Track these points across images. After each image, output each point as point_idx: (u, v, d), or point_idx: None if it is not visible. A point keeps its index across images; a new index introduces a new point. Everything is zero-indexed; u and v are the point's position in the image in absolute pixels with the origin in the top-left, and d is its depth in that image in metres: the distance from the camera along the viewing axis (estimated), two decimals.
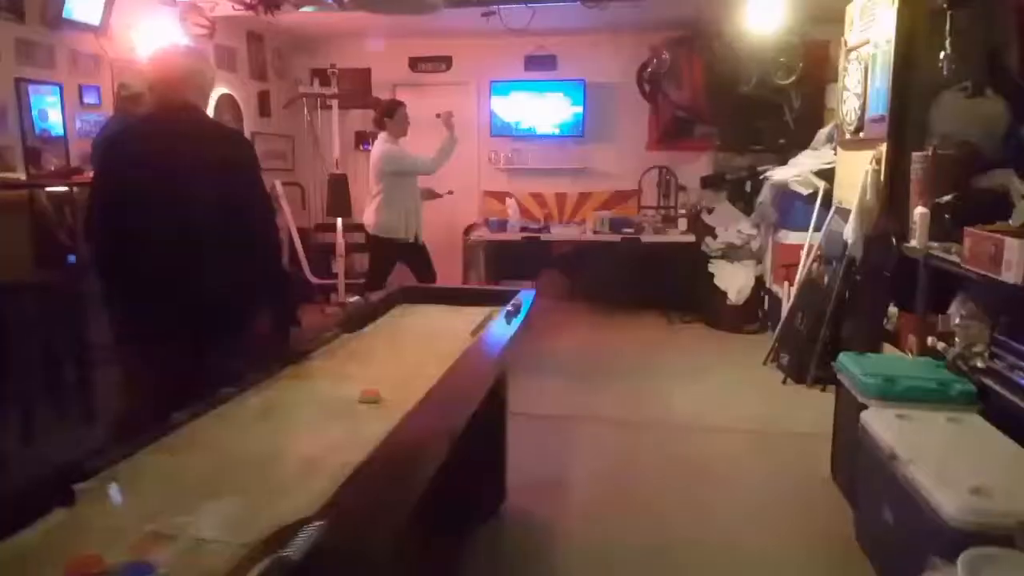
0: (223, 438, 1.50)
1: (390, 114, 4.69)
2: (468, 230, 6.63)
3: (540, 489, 2.95)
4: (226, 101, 5.92)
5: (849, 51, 4.21)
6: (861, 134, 3.98)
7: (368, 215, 4.73)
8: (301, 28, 6.59)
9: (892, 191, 3.69)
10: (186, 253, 2.11)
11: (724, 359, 4.94)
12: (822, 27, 5.58)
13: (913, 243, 3.34)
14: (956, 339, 3.02)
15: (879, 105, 3.70)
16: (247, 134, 6.22)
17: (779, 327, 4.76)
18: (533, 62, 6.78)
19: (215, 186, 2.16)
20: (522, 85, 6.74)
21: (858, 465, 2.52)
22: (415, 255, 4.86)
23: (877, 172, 3.72)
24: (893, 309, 3.77)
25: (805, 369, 4.26)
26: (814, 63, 5.63)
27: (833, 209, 4.57)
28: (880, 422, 2.38)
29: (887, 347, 3.59)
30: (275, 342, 2.30)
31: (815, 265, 4.66)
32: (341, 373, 1.92)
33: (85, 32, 4.42)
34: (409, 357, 2.13)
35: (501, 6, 5.24)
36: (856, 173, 3.93)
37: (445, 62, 6.93)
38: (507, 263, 6.63)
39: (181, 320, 2.08)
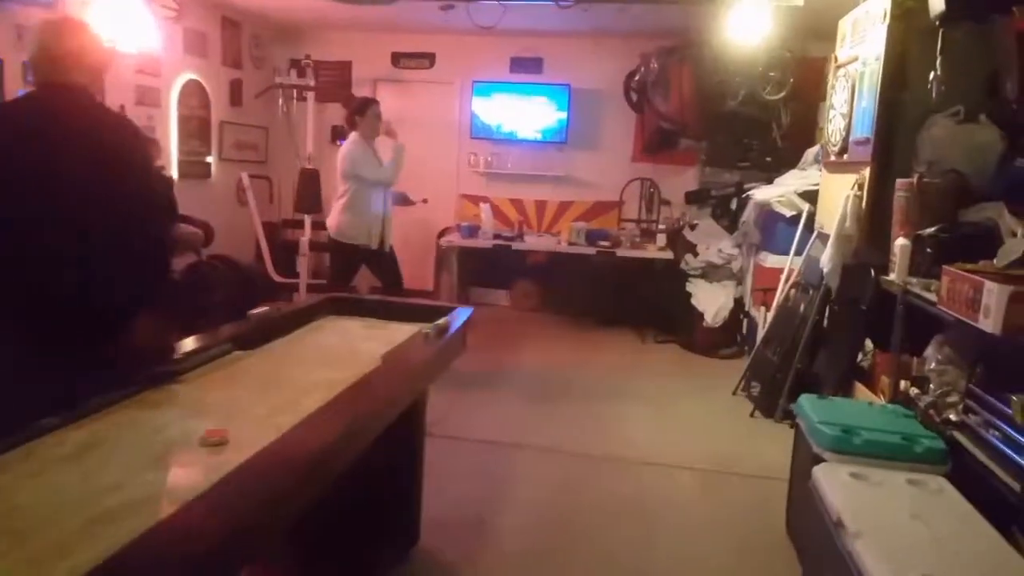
0: (13, 481, 1.25)
1: (360, 112, 4.44)
2: (442, 234, 6.38)
3: (461, 529, 2.68)
4: (192, 87, 5.67)
5: (838, 68, 3.96)
6: (845, 156, 3.73)
7: (331, 217, 4.49)
8: (282, 17, 6.36)
9: (873, 219, 3.43)
10: (53, 248, 1.86)
11: (693, 385, 4.68)
12: (818, 44, 5.35)
13: (892, 276, 3.09)
14: (931, 385, 2.78)
15: (864, 126, 3.45)
16: (215, 122, 5.99)
17: (752, 355, 4.51)
18: (519, 64, 6.54)
19: (90, 176, 1.90)
20: (506, 87, 6.50)
21: (807, 525, 2.26)
22: (380, 261, 4.61)
23: (859, 198, 3.47)
24: (869, 345, 3.53)
25: (775, 402, 4.01)
26: (807, 80, 5.40)
27: (815, 234, 4.32)
28: (832, 480, 2.12)
29: (859, 387, 3.34)
30: (145, 358, 2.03)
31: (792, 291, 4.41)
32: (200, 402, 1.66)
33: (32, 6, 4.18)
34: (295, 384, 1.87)
35: (468, 3, 4.97)
36: (839, 197, 3.68)
37: (428, 59, 6.69)
38: (480, 270, 6.39)
39: (38, 327, 1.82)
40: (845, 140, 3.70)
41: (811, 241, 4.35)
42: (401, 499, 2.43)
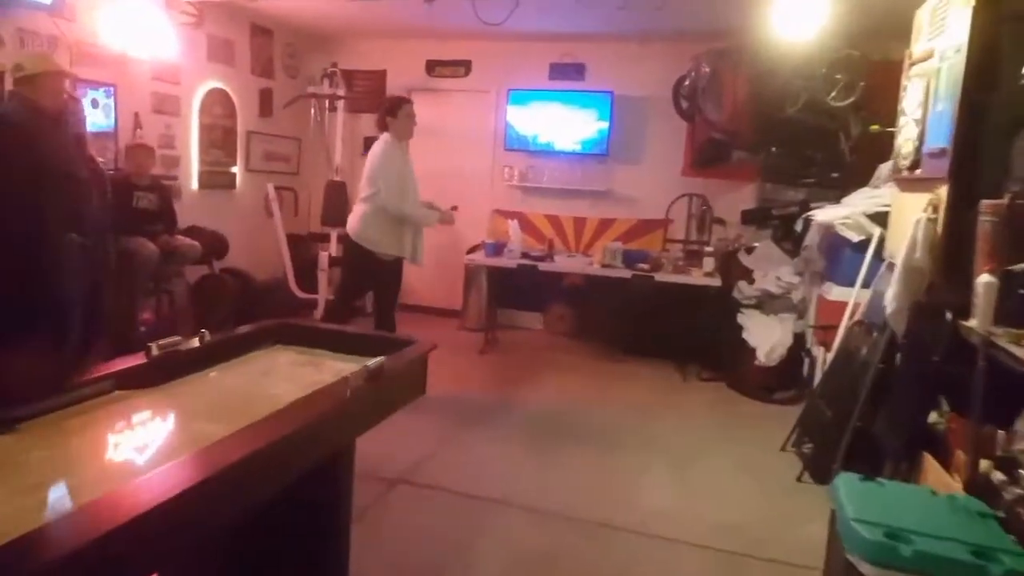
0: None
1: (392, 112, 4.09)
2: (472, 251, 5.96)
3: None
4: (217, 96, 5.51)
5: (912, 65, 3.30)
6: (918, 171, 3.06)
7: (354, 218, 4.11)
8: (314, 25, 6.15)
9: (950, 249, 2.76)
10: None
11: (736, 435, 4.04)
12: (899, 46, 4.63)
13: (973, 323, 2.44)
14: (1021, 471, 2.13)
15: (940, 135, 2.79)
16: (241, 132, 5.80)
17: (805, 404, 3.84)
18: (558, 70, 6.08)
19: None
20: (543, 95, 6.04)
21: None
22: (396, 277, 4.25)
23: (932, 222, 2.80)
24: (945, 404, 2.84)
25: (828, 465, 3.32)
26: (883, 86, 4.66)
27: (884, 263, 3.63)
28: None
29: (929, 460, 2.66)
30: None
31: (855, 330, 3.72)
32: (15, 463, 1.29)
33: (35, 10, 4.06)
34: (151, 442, 1.47)
35: None
36: (910, 220, 3.02)
37: (464, 66, 6.32)
38: (511, 291, 5.94)
39: None
40: (918, 152, 3.04)
41: (880, 272, 3.66)
42: None
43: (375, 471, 3.07)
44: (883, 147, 4.75)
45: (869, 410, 3.21)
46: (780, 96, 4.67)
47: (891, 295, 2.89)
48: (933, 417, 2.85)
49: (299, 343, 2.44)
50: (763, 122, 4.88)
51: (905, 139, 3.25)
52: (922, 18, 3.31)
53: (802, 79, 4.51)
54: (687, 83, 5.45)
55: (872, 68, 4.64)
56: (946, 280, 2.79)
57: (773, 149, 5.07)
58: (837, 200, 4.77)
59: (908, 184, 3.26)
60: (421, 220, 4.15)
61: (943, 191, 2.78)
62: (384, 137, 4.06)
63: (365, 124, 6.32)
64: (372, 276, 4.22)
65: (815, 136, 4.80)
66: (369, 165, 4.03)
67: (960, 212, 2.74)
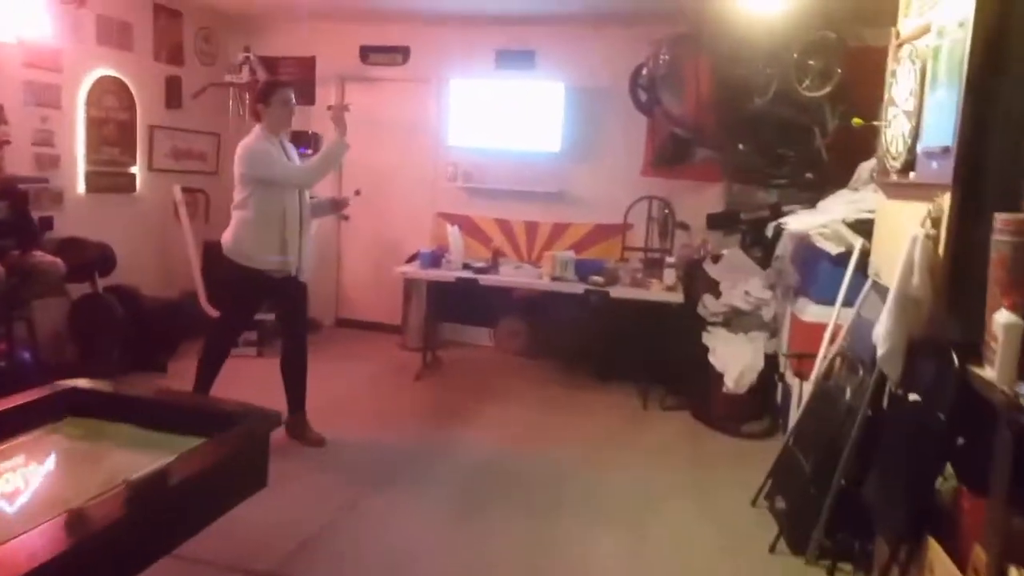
0: None
1: (265, 99, 3.43)
2: (410, 260, 5.33)
3: None
4: (110, 85, 4.78)
5: (900, 45, 2.73)
6: (911, 175, 2.50)
7: (228, 231, 3.47)
8: (232, 6, 5.46)
9: (955, 275, 2.21)
10: None
11: (701, 482, 3.46)
12: (877, 31, 4.09)
13: (989, 372, 1.89)
14: None
15: (941, 130, 2.22)
16: (142, 127, 5.09)
17: (779, 453, 3.26)
18: (506, 58, 5.47)
19: None
20: (489, 85, 5.42)
21: None
22: (289, 296, 3.57)
23: (932, 240, 2.24)
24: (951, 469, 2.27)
25: (806, 531, 2.76)
26: (863, 74, 4.11)
27: (869, 282, 3.08)
28: None
29: (933, 547, 2.09)
30: None
31: (837, 362, 3.16)
32: None
33: None
34: None
35: None
36: (900, 234, 2.46)
37: (402, 53, 5.67)
38: (455, 304, 5.31)
39: None
40: (911, 151, 2.47)
41: (864, 292, 3.10)
42: None
43: (242, 561, 2.43)
44: (863, 144, 4.20)
45: (856, 466, 2.64)
46: (747, 86, 4.10)
47: (883, 332, 2.32)
48: (938, 481, 2.29)
49: (98, 414, 1.81)
50: (729, 115, 4.30)
51: (894, 135, 2.69)
52: None
53: (772, 66, 3.94)
54: (645, 72, 4.86)
55: (850, 55, 4.08)
56: (951, 313, 2.24)
57: (740, 146, 4.50)
58: (812, 203, 4.22)
59: (898, 190, 2.69)
60: (328, 164, 3.58)
61: (945, 200, 2.21)
62: (255, 130, 3.43)
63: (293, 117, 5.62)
64: (257, 299, 3.60)
65: (787, 131, 4.24)
66: (238, 165, 3.38)
67: (968, 227, 2.17)
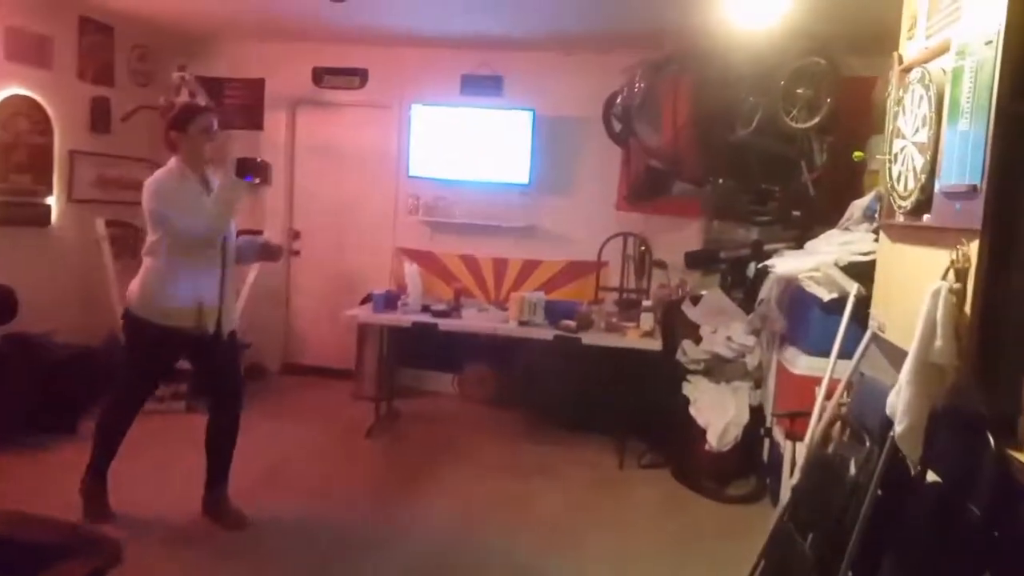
0: None
1: (181, 126, 2.92)
2: (365, 301, 4.88)
3: None
4: (21, 106, 4.28)
5: (905, 71, 2.42)
6: (926, 217, 2.15)
7: (134, 283, 2.99)
8: (171, 23, 5.05)
9: (986, 336, 1.85)
10: None
11: (684, 563, 3.03)
12: (865, 60, 3.84)
13: None
14: None
15: (966, 166, 1.88)
16: (60, 153, 4.60)
17: (772, 528, 2.86)
18: (472, 83, 5.13)
19: None
20: (454, 112, 5.07)
21: None
22: (213, 356, 3.06)
23: (957, 295, 1.88)
24: None
25: None
26: (852, 106, 3.84)
27: (869, 333, 2.72)
28: None
29: None
30: None
31: (836, 428, 2.78)
32: None
33: None
34: None
35: None
36: (912, 286, 2.11)
37: (359, 76, 5.31)
38: (415, 348, 4.89)
39: None
40: (926, 190, 2.13)
41: (863, 345, 2.74)
42: None
43: None
44: (854, 180, 3.92)
45: (868, 555, 2.24)
46: (729, 115, 3.80)
47: (900, 406, 1.94)
48: None
49: None
50: (709, 147, 3.98)
51: (902, 171, 2.35)
52: (915, 6, 2.44)
53: (756, 94, 3.63)
54: (619, 101, 4.55)
55: (838, 85, 3.80)
56: (980, 381, 1.87)
57: (721, 180, 4.18)
58: (797, 242, 3.90)
59: (907, 234, 2.35)
60: (224, 215, 2.94)
61: (972, 248, 1.86)
62: (169, 165, 2.94)
63: (239, 143, 5.21)
64: (167, 363, 3.12)
65: (771, 165, 3.93)
66: (147, 203, 2.89)
67: (1000, 280, 1.83)
